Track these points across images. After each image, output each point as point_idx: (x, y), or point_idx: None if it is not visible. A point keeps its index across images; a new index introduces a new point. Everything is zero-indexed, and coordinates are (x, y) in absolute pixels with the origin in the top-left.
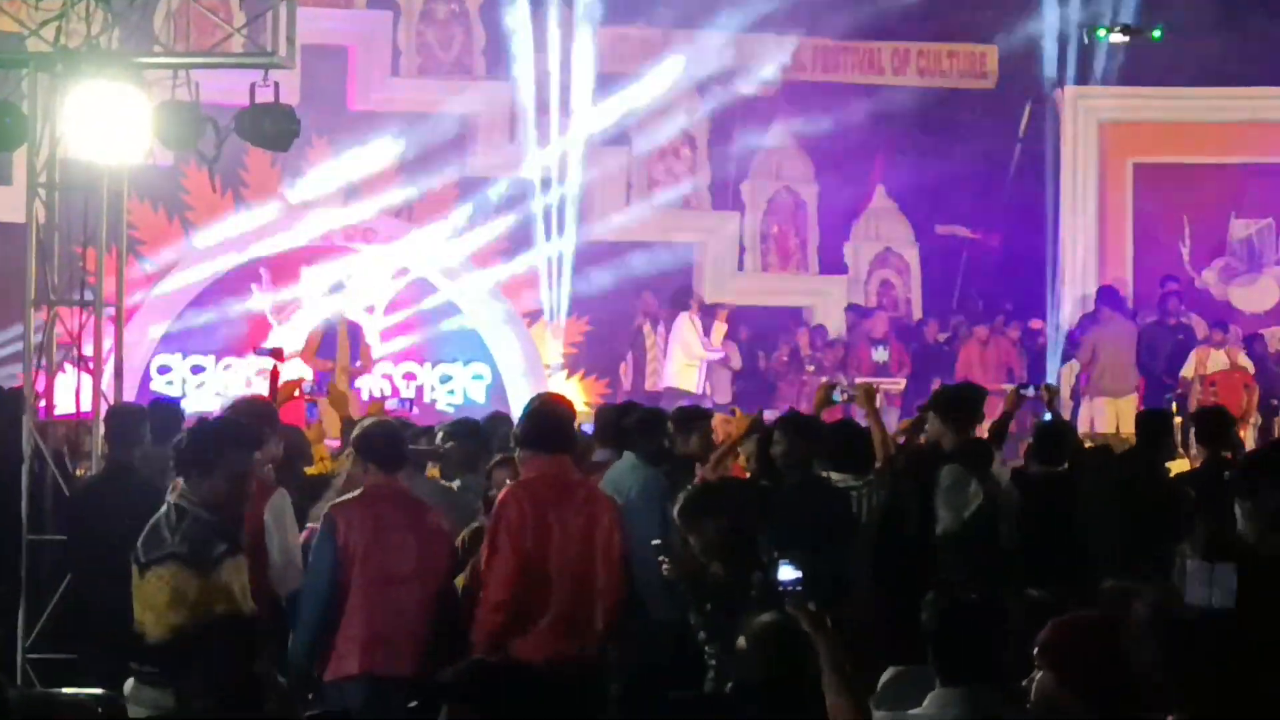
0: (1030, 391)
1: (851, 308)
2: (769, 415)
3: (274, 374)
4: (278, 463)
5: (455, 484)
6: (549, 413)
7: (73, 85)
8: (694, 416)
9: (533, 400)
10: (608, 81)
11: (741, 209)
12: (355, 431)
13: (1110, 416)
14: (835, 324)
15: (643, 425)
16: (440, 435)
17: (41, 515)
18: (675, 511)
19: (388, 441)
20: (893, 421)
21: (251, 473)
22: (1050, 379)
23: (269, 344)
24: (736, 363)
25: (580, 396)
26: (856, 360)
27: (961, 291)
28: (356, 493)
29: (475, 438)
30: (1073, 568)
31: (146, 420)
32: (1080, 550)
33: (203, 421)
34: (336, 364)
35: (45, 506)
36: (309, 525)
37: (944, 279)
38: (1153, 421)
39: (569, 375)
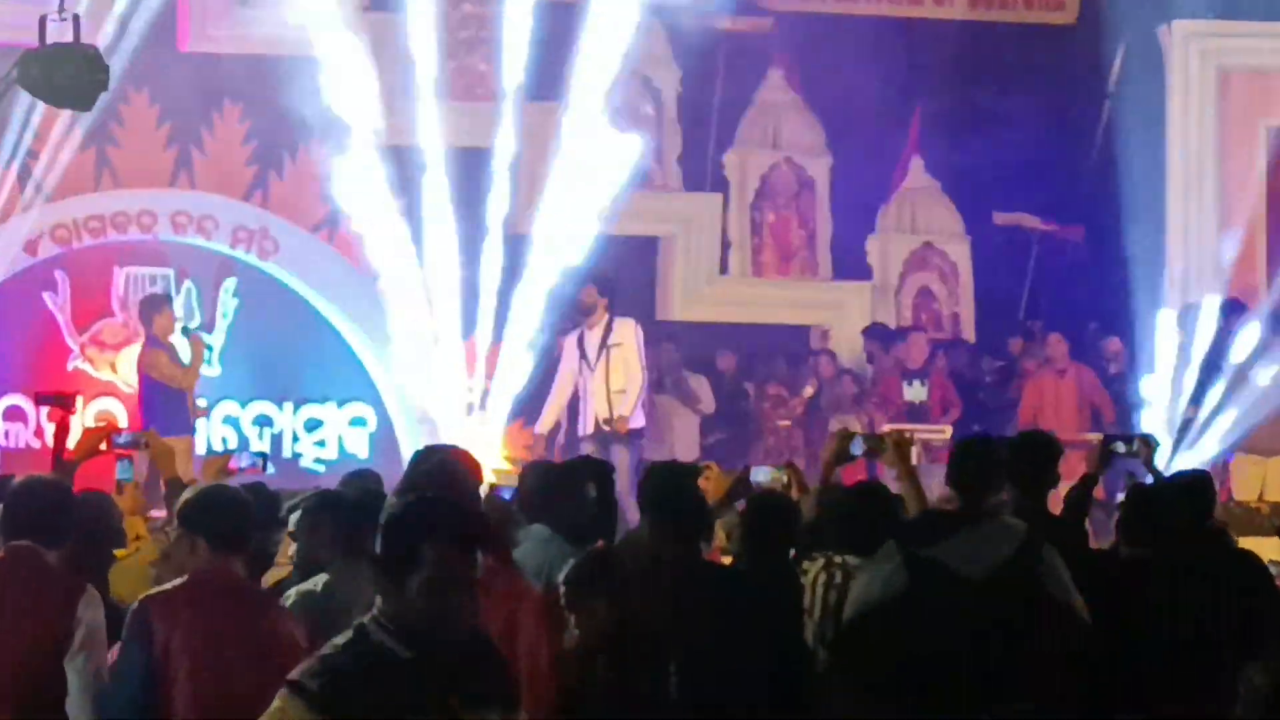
0: (1121, 447)
1: (874, 328)
2: (759, 475)
3: (61, 428)
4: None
5: (320, 579)
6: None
7: None
8: (681, 477)
9: (422, 456)
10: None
11: (724, 189)
12: (182, 499)
13: (1253, 480)
14: (853, 348)
15: (562, 484)
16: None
17: None
18: (560, 580)
19: (225, 510)
20: (935, 483)
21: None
22: (1141, 425)
23: (56, 388)
24: (708, 403)
25: (500, 449)
26: (883, 398)
27: (1030, 303)
28: (177, 582)
29: (349, 508)
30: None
31: None
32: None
33: None
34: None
35: None
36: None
37: (1005, 286)
38: None
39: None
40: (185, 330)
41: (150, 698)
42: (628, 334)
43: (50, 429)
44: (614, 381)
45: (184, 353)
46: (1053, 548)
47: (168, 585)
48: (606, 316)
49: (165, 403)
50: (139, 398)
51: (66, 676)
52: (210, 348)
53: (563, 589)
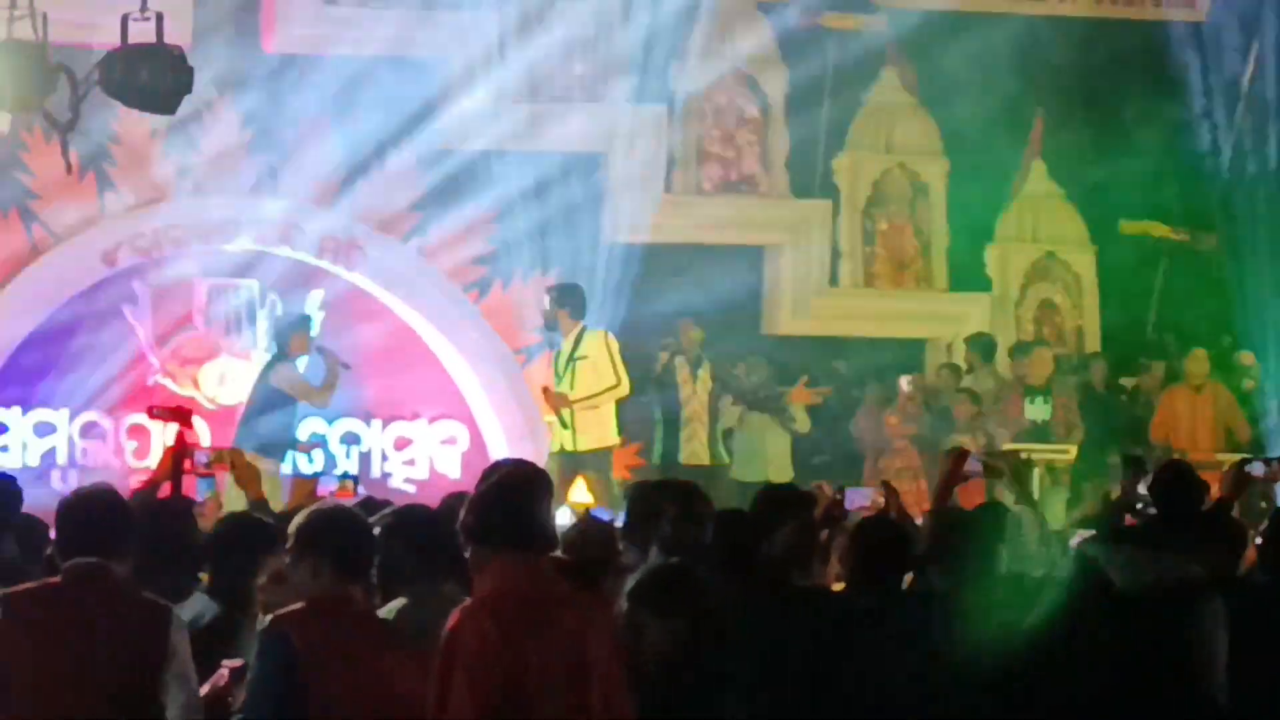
0: (1259, 469)
1: (980, 339)
2: (856, 496)
3: (180, 444)
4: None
5: (396, 604)
6: (515, 491)
7: None
8: (787, 501)
9: (490, 473)
10: (623, 10)
11: (835, 195)
12: (301, 518)
13: None
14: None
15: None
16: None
17: None
18: (626, 594)
19: (348, 532)
20: (1059, 507)
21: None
22: (1276, 446)
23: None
24: (803, 422)
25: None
26: (1004, 416)
27: (1158, 316)
28: (299, 605)
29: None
30: None
31: None
32: None
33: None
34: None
35: None
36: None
37: (1132, 298)
38: None
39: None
40: (322, 350)
41: (288, 715)
42: (596, 346)
43: (130, 446)
44: (575, 392)
45: (314, 372)
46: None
47: (292, 608)
48: (577, 328)
49: (271, 422)
50: (244, 412)
51: (161, 702)
52: (347, 366)
53: (626, 605)
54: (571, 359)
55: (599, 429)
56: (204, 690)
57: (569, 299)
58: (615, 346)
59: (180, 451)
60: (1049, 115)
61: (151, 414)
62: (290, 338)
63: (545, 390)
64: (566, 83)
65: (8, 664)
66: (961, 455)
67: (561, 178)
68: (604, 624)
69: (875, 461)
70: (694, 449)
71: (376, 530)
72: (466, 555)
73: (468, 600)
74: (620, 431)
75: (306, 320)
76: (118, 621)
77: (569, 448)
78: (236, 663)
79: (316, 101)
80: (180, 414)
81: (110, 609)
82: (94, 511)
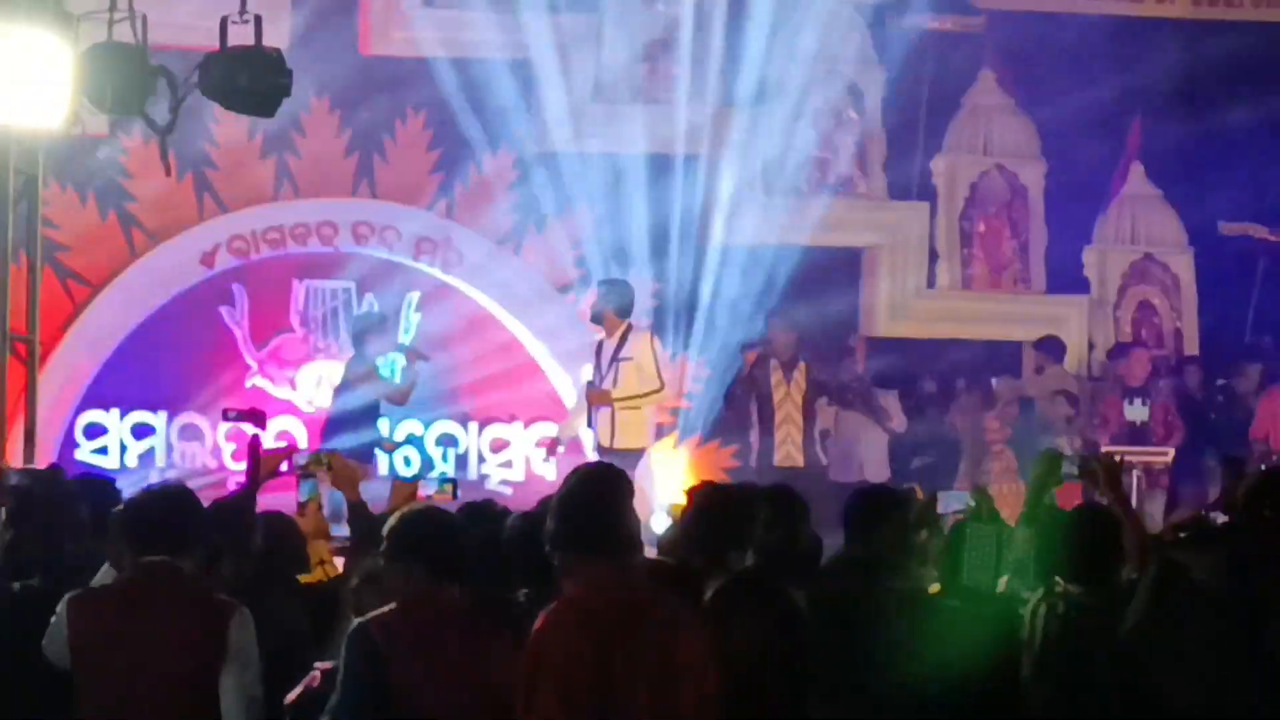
0: None
1: (1046, 341)
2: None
3: (254, 447)
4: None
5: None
6: (596, 494)
7: None
8: (883, 503)
9: (571, 477)
10: (719, 11)
11: (932, 198)
12: (394, 521)
13: None
14: (1072, 364)
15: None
16: None
17: None
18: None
19: (441, 535)
20: (1158, 512)
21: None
22: None
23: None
24: (899, 421)
25: (693, 474)
26: (1102, 417)
27: (1256, 318)
28: (390, 607)
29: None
30: None
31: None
32: None
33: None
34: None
35: None
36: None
37: (1231, 299)
38: None
39: (679, 441)
40: (402, 347)
41: (374, 716)
42: (642, 347)
43: (228, 449)
44: (636, 400)
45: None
46: None
47: (384, 609)
48: (623, 327)
49: (356, 424)
50: (327, 415)
51: (219, 698)
52: (426, 358)
53: (714, 608)
54: (615, 358)
55: (635, 430)
56: (296, 692)
57: (615, 296)
58: (659, 348)
59: (254, 454)
60: (1147, 116)
61: (225, 416)
62: (367, 336)
63: (588, 386)
64: (662, 84)
65: (79, 662)
66: (1055, 458)
67: (659, 179)
68: (694, 627)
69: (976, 464)
70: (788, 451)
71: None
72: (553, 560)
73: (554, 603)
74: (715, 433)
75: (382, 318)
76: (181, 618)
77: (604, 444)
78: (328, 664)
79: (412, 103)
80: (253, 415)
81: (175, 606)
82: (164, 510)
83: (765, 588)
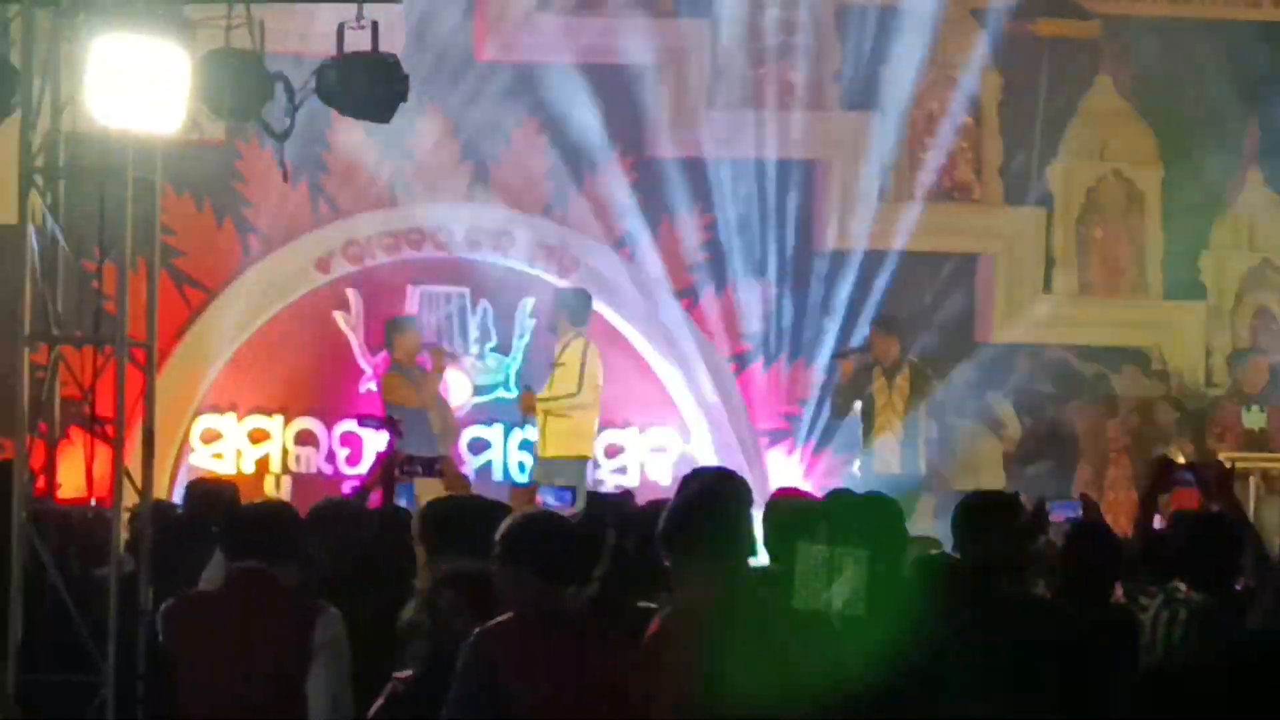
0: None
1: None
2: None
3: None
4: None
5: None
6: (714, 500)
7: (83, 29)
8: (991, 508)
9: (689, 482)
10: (834, 16)
11: (1049, 203)
12: (504, 528)
13: None
14: (1189, 371)
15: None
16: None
17: (39, 645)
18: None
19: (553, 540)
20: (1275, 516)
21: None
22: None
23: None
24: (1014, 429)
25: (804, 485)
26: (1220, 425)
27: None
28: (506, 617)
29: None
30: None
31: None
32: None
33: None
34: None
35: (43, 633)
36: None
37: None
38: None
39: (793, 449)
40: (428, 346)
41: None
42: (572, 353)
43: (343, 453)
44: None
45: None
46: None
47: (499, 619)
48: (570, 334)
49: (407, 430)
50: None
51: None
52: (455, 355)
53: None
54: (554, 364)
55: (569, 438)
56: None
57: (568, 303)
58: (593, 357)
59: (391, 460)
60: (1265, 121)
61: (361, 423)
62: (395, 341)
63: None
64: (776, 89)
65: (176, 668)
66: (1167, 464)
67: (775, 184)
68: (806, 631)
69: (1095, 471)
70: (885, 458)
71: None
72: (667, 564)
73: (667, 608)
74: (829, 441)
75: (410, 321)
76: (271, 624)
77: (540, 453)
78: (406, 674)
79: (528, 108)
80: (390, 423)
81: (264, 610)
82: (262, 520)
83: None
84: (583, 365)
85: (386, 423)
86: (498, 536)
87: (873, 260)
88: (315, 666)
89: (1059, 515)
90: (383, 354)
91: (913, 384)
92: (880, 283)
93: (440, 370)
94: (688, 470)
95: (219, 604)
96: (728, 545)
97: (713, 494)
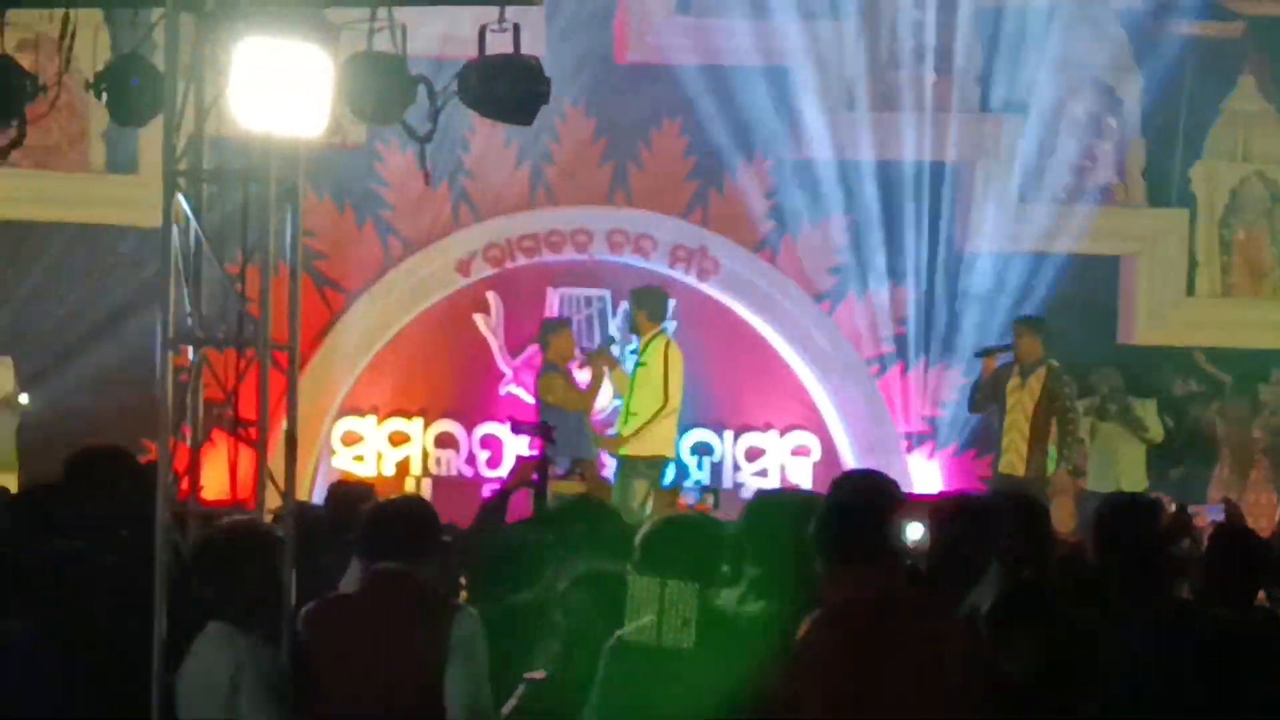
0: None
1: None
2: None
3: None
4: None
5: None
6: (865, 502)
7: (226, 33)
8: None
9: (840, 484)
10: (974, 17)
11: (1191, 205)
12: (645, 529)
13: None
14: None
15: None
16: None
17: (181, 644)
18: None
19: (693, 542)
20: None
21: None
22: None
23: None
24: (1156, 431)
25: (942, 486)
26: None
27: None
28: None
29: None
30: None
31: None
32: None
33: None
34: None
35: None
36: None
37: None
38: None
39: (934, 451)
40: (584, 350)
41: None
42: (654, 356)
43: (483, 456)
44: (633, 402)
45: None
46: None
47: (644, 621)
48: (654, 330)
49: (562, 431)
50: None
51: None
52: (616, 363)
53: (985, 623)
54: (638, 363)
55: (652, 440)
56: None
57: (645, 301)
58: (675, 359)
59: (543, 466)
60: None
61: (515, 429)
62: (550, 343)
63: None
64: (917, 91)
65: (316, 669)
66: None
67: (914, 186)
68: (957, 637)
69: (1239, 474)
70: (1010, 459)
71: None
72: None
73: (818, 610)
74: (972, 442)
75: (566, 323)
76: (408, 621)
77: (617, 450)
78: (539, 674)
79: (668, 110)
80: (545, 430)
81: (402, 610)
82: (400, 520)
83: (1041, 602)
84: (666, 370)
85: (540, 429)
86: (638, 540)
87: (1014, 262)
88: (452, 664)
89: (1205, 518)
90: (523, 356)
91: (1046, 385)
92: (1021, 284)
93: (601, 376)
94: (827, 473)
95: (358, 606)
96: (878, 548)
97: (863, 496)
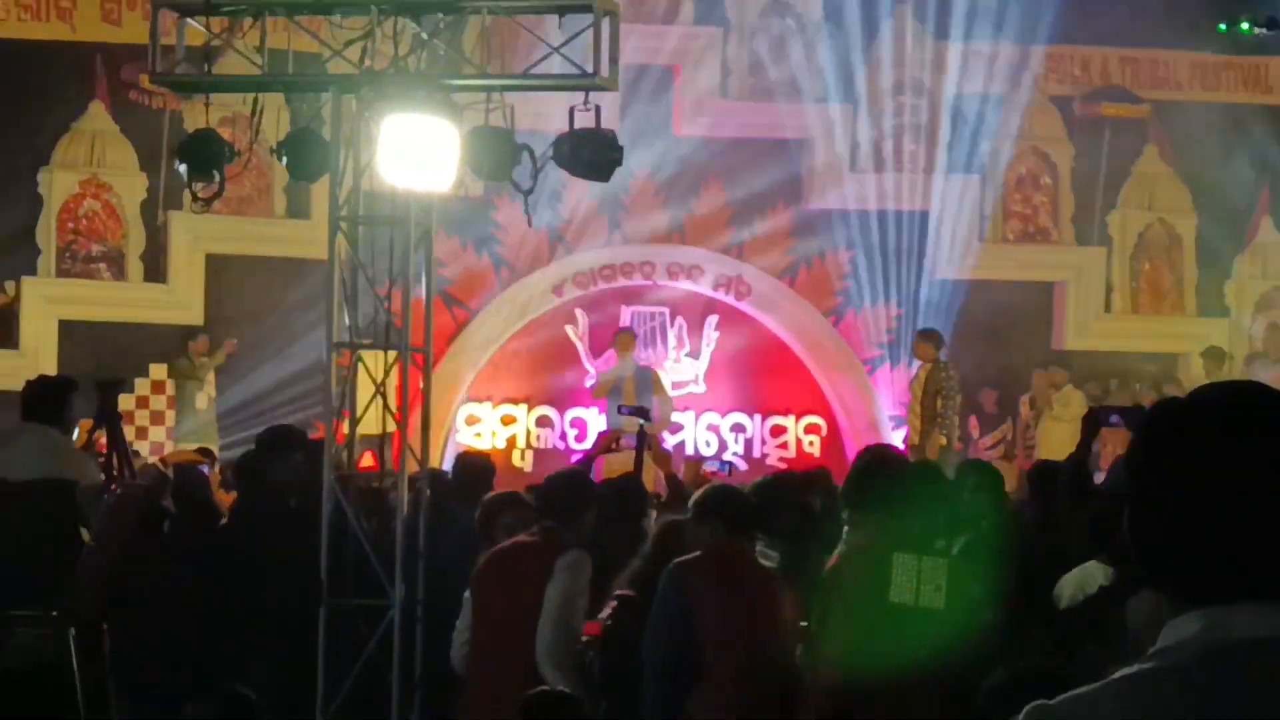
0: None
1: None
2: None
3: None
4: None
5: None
6: (882, 466)
7: (378, 110)
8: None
9: (863, 455)
10: (962, 103)
11: (1109, 244)
12: (699, 495)
13: None
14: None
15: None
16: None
17: (343, 577)
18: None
19: (734, 501)
20: None
21: None
22: None
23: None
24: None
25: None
26: None
27: None
28: (696, 554)
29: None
30: None
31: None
32: None
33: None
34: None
35: (346, 568)
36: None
37: None
38: None
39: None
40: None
41: (682, 636)
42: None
43: (572, 433)
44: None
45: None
46: None
47: (692, 555)
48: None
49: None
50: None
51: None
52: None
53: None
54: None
55: None
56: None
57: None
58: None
59: (640, 438)
60: (1275, 184)
61: (620, 410)
62: (618, 339)
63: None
64: (901, 157)
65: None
66: (1092, 413)
67: (899, 231)
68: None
69: None
70: (911, 429)
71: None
72: (844, 516)
73: (842, 547)
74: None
75: (628, 332)
76: (542, 567)
77: None
78: (629, 592)
79: (714, 171)
80: (641, 411)
81: (541, 559)
82: (558, 487)
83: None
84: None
85: (639, 410)
86: (692, 501)
87: (972, 288)
88: (554, 582)
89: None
90: (603, 358)
91: (930, 378)
92: (978, 304)
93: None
94: (833, 446)
95: (522, 554)
96: (891, 500)
97: (880, 462)
